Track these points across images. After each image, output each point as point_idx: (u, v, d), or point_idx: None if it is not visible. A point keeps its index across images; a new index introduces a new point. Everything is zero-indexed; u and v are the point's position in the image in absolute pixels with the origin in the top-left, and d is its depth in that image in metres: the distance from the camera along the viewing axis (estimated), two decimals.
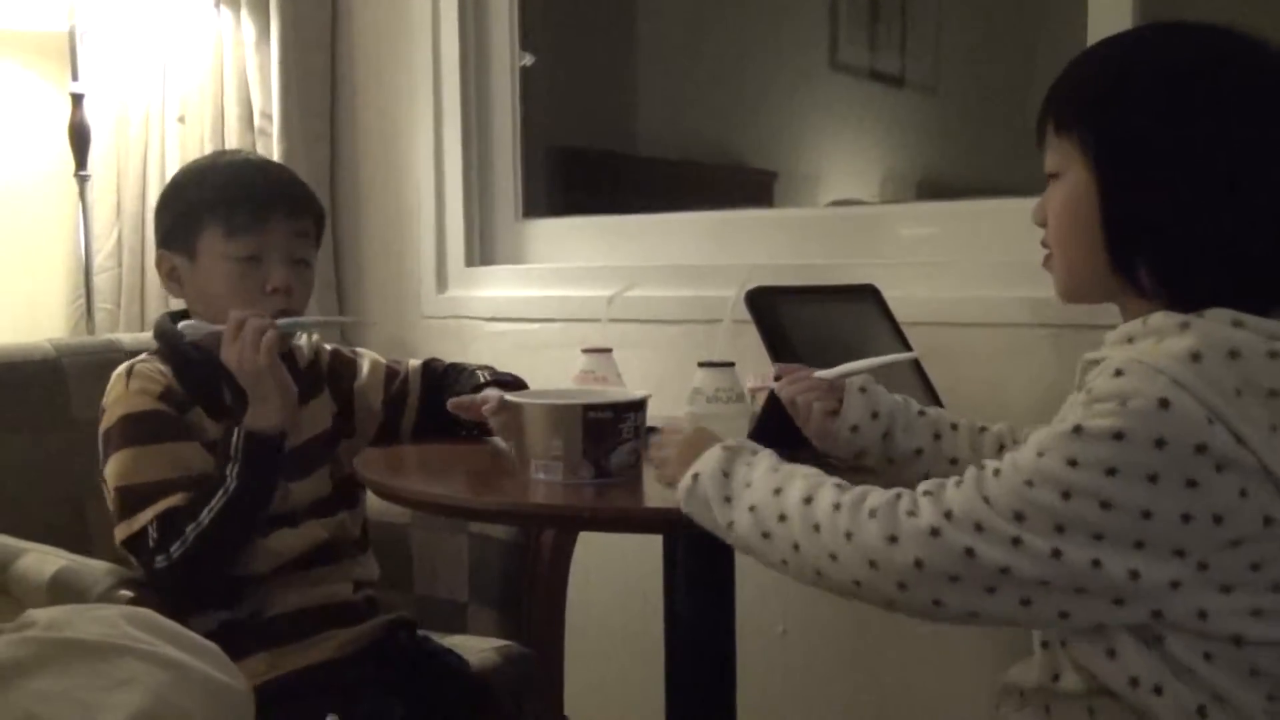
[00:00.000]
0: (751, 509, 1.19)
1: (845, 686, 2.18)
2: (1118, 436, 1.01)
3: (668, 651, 1.64)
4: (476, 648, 1.97)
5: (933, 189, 3.03)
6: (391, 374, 1.93)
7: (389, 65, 2.69)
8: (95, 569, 1.71)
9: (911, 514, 1.08)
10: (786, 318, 1.68)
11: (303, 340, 1.87)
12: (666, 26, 3.36)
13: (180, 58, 2.79)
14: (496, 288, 2.59)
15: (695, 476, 1.25)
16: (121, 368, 1.74)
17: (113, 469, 1.66)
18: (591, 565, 2.20)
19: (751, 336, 1.68)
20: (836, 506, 1.12)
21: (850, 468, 1.46)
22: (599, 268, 2.44)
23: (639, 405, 1.50)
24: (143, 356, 1.75)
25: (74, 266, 2.82)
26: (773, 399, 1.56)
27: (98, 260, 2.80)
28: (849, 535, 1.10)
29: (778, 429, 1.52)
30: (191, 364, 1.72)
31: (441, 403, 1.81)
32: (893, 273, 2.02)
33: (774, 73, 3.22)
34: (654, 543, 1.65)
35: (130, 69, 2.86)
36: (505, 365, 2.52)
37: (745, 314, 1.70)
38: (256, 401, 1.64)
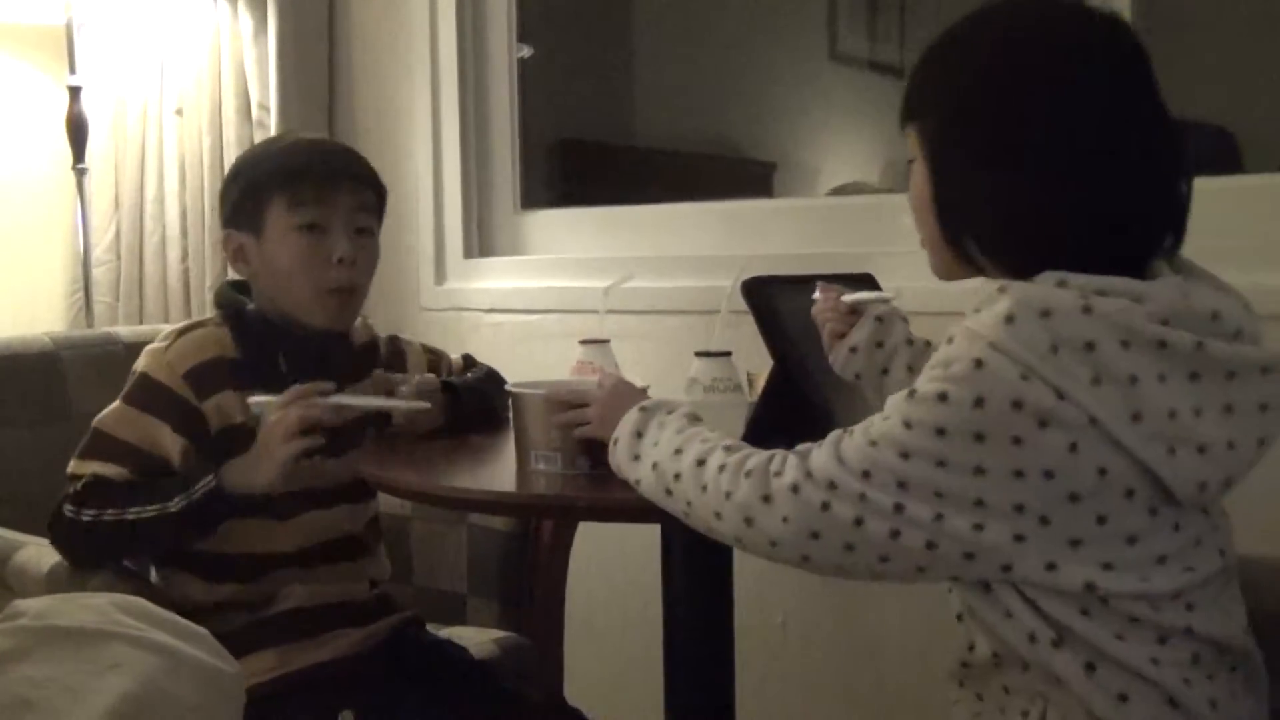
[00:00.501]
0: (654, 466, 1.26)
1: (844, 676, 2.18)
2: (942, 398, 1.06)
3: (666, 641, 1.64)
4: (476, 639, 1.97)
5: None
6: (433, 366, 1.94)
7: (387, 57, 2.69)
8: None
9: (778, 474, 1.13)
10: (782, 307, 1.67)
11: (357, 322, 1.86)
12: (664, 18, 3.36)
13: (178, 50, 2.79)
14: (495, 279, 2.59)
15: (615, 441, 1.32)
16: (176, 326, 1.75)
17: (107, 410, 1.70)
18: (591, 556, 2.20)
19: (749, 327, 1.67)
20: (721, 468, 1.18)
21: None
22: (597, 259, 2.44)
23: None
24: (208, 318, 1.77)
25: (72, 260, 2.82)
26: (771, 386, 1.56)
27: (96, 253, 2.80)
28: (728, 495, 1.16)
29: (776, 416, 1.51)
30: (251, 331, 1.73)
31: (478, 400, 1.86)
32: (893, 262, 2.01)
33: (773, 63, 3.22)
34: (653, 532, 1.65)
35: (128, 62, 2.86)
36: (504, 356, 2.52)
37: (742, 304, 1.69)
38: (250, 463, 1.62)
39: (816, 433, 1.40)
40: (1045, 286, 1.08)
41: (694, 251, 2.36)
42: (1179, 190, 1.16)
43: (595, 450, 1.41)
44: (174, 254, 2.83)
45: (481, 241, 2.66)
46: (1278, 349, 1.11)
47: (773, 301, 1.66)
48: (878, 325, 1.53)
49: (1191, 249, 1.73)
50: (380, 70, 2.70)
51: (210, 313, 1.82)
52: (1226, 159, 2.08)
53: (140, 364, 1.71)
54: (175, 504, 1.61)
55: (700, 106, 3.30)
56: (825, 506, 1.10)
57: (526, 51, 2.68)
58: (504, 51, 2.64)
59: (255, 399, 1.63)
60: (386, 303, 2.73)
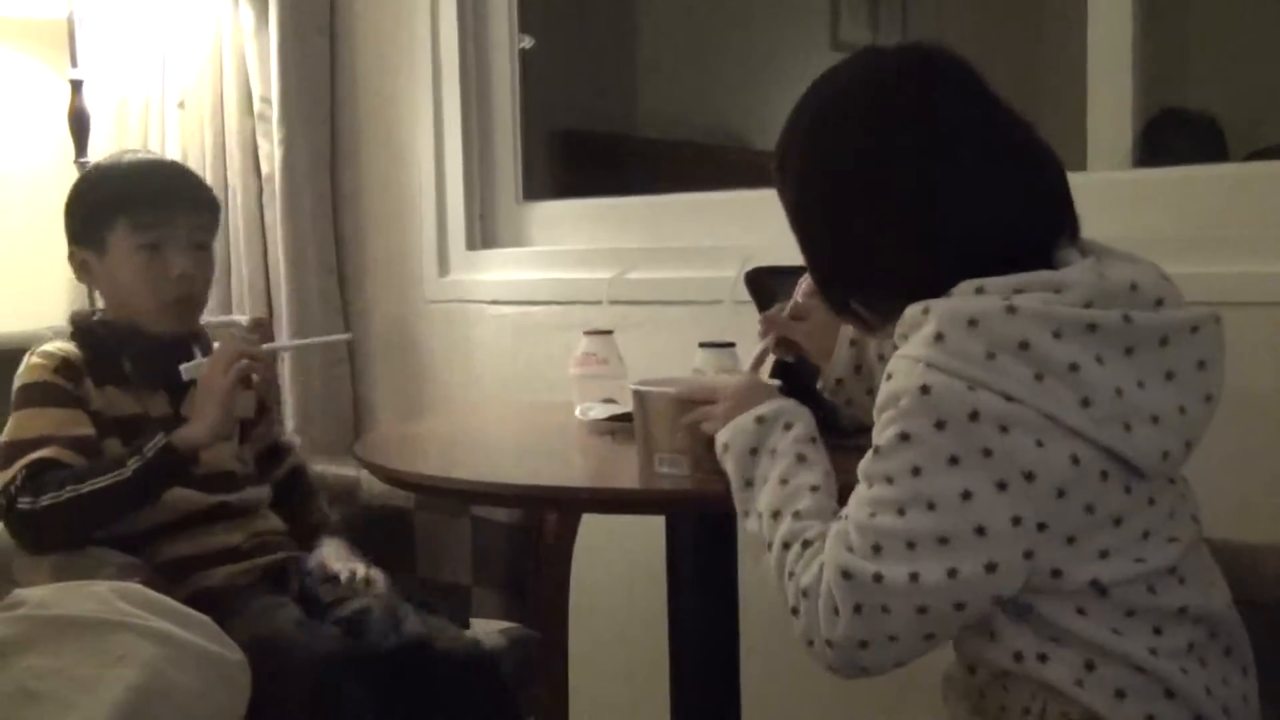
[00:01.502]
0: (759, 516, 1.20)
1: None
2: (904, 438, 1.06)
3: (671, 632, 1.64)
4: (481, 630, 1.97)
5: None
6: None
7: (388, 49, 2.68)
8: (98, 554, 1.72)
9: (816, 595, 1.09)
10: (785, 297, 1.67)
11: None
12: (666, 7, 3.35)
13: (179, 44, 2.79)
14: (498, 271, 2.59)
15: (726, 447, 1.26)
16: (29, 353, 1.87)
17: (6, 429, 1.80)
18: (595, 546, 2.20)
19: (752, 317, 1.67)
20: (791, 574, 1.13)
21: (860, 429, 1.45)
22: (600, 250, 2.44)
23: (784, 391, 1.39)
24: (53, 339, 1.89)
25: None
26: (774, 377, 1.56)
27: None
28: (794, 612, 1.13)
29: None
30: (97, 337, 1.87)
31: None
32: None
33: (775, 53, 3.21)
34: (657, 522, 1.65)
35: (129, 55, 2.86)
36: (507, 347, 2.53)
37: (746, 294, 1.69)
38: (196, 415, 1.76)
39: (826, 421, 1.39)
40: (965, 297, 1.09)
41: (697, 242, 2.35)
42: (1048, 180, 1.17)
43: None
44: None
45: (484, 233, 2.65)
46: (1201, 308, 1.13)
47: (776, 292, 1.66)
48: (853, 350, 1.48)
49: (1181, 237, 1.74)
50: (382, 62, 2.70)
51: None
52: (1213, 147, 2.09)
53: (15, 385, 1.83)
54: (130, 467, 1.70)
55: (702, 97, 3.29)
56: (858, 610, 1.07)
57: (528, 42, 2.68)
58: (506, 42, 2.63)
59: (186, 364, 1.80)
60: (390, 296, 2.73)
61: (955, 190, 1.13)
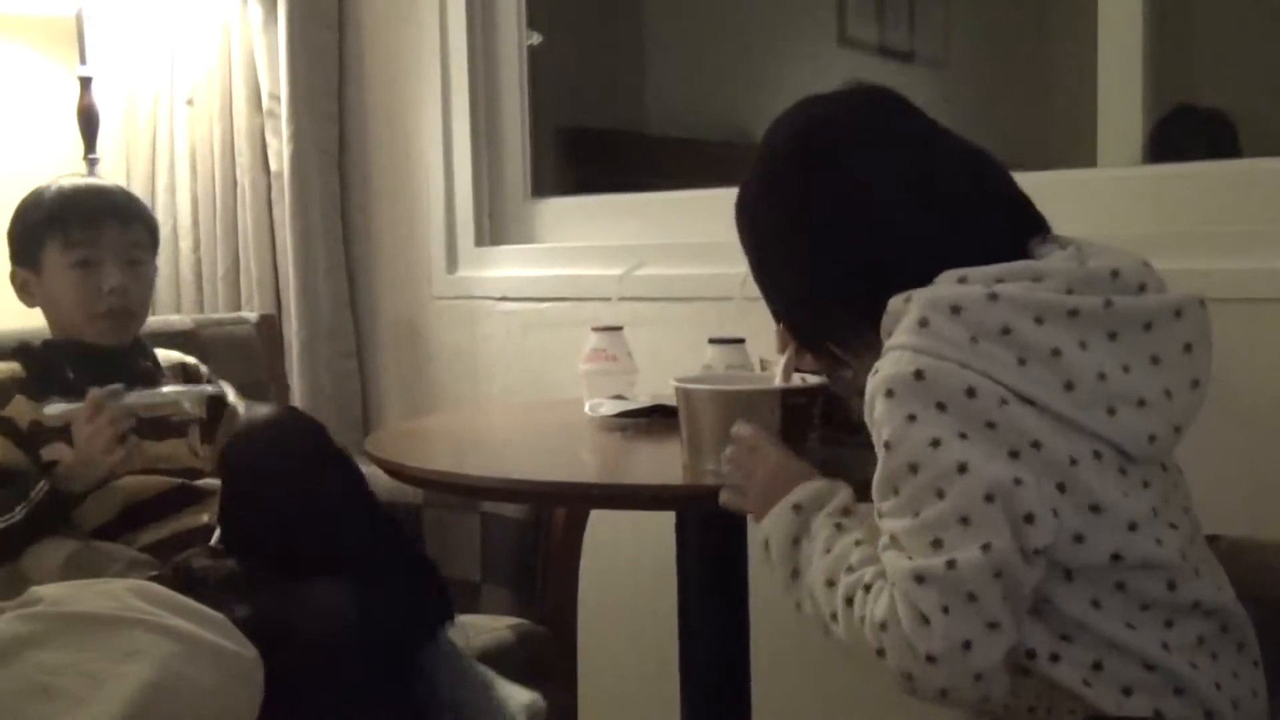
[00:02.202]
0: (811, 597, 1.17)
1: (861, 663, 2.17)
2: (912, 419, 1.05)
3: (681, 629, 1.64)
4: (490, 626, 1.98)
5: None
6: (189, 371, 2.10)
7: (397, 45, 2.68)
8: (108, 550, 1.73)
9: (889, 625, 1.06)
10: None
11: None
12: (674, 4, 3.35)
13: (188, 40, 2.79)
14: (506, 267, 2.59)
15: (767, 543, 1.22)
16: None
17: None
18: (605, 542, 2.20)
19: (762, 313, 1.66)
20: (862, 619, 1.09)
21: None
22: (609, 246, 2.44)
23: (825, 389, 1.37)
24: None
25: None
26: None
27: None
28: (880, 653, 1.08)
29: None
30: (37, 354, 1.94)
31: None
32: None
33: (782, 49, 3.21)
34: (667, 518, 1.65)
35: (138, 52, 2.86)
36: (516, 344, 2.53)
37: (755, 291, 1.69)
38: (78, 471, 1.79)
39: (835, 417, 1.39)
40: (948, 285, 1.10)
41: (705, 238, 2.35)
42: (1000, 187, 1.21)
43: None
44: (185, 244, 2.83)
45: (493, 230, 2.65)
46: (1185, 293, 1.13)
47: None
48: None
49: (1193, 233, 1.74)
50: (390, 59, 2.70)
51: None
52: (1224, 143, 2.08)
53: None
54: (19, 513, 1.75)
55: (710, 93, 3.29)
56: (946, 610, 1.02)
57: (536, 38, 2.68)
58: (514, 39, 2.63)
59: (52, 407, 1.81)
60: (398, 292, 2.73)
61: (886, 223, 1.18)
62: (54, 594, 1.16)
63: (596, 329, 1.90)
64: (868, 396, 1.10)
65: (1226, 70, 2.26)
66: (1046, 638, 1.08)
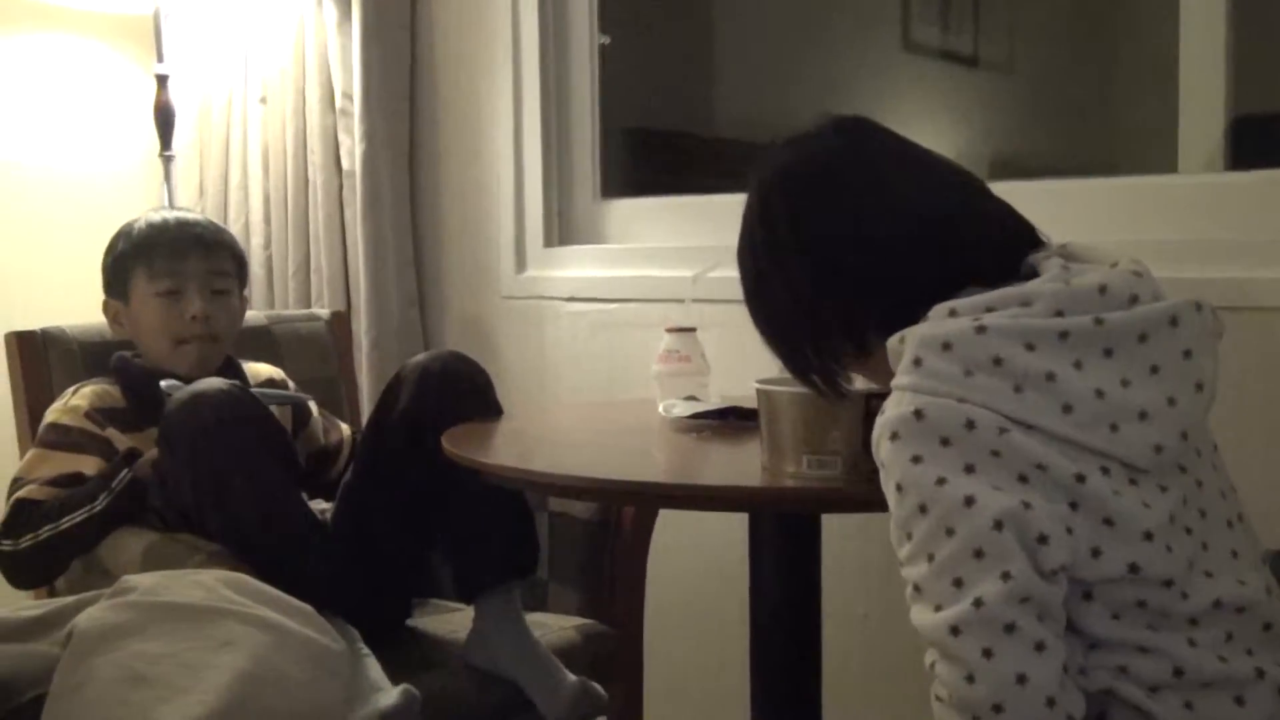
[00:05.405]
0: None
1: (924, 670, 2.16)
2: (916, 460, 1.06)
3: (753, 631, 1.64)
4: (557, 625, 1.98)
5: (1005, 168, 3.00)
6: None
7: (469, 46, 2.70)
8: (187, 542, 1.75)
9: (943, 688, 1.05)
10: None
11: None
12: (743, 7, 3.34)
13: (263, 40, 2.82)
14: (575, 268, 2.60)
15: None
16: (72, 387, 1.99)
17: (23, 460, 1.94)
18: (673, 543, 2.20)
19: None
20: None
21: None
22: (677, 248, 2.44)
23: None
24: (95, 379, 2.01)
25: None
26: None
27: None
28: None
29: None
30: (135, 379, 1.99)
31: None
32: None
33: (847, 53, 3.20)
34: (735, 520, 1.65)
35: (213, 51, 2.90)
36: (584, 345, 2.54)
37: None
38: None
39: None
40: (938, 321, 1.11)
41: None
42: (989, 205, 1.23)
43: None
44: (257, 240, 2.86)
45: (562, 230, 2.66)
46: (1179, 298, 1.12)
47: None
48: None
49: (1272, 241, 1.71)
50: (462, 59, 2.72)
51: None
52: None
53: (47, 417, 1.95)
54: (100, 502, 1.81)
55: (777, 96, 3.28)
56: (988, 654, 1.00)
57: (607, 39, 2.69)
58: (585, 39, 2.64)
59: (167, 381, 1.89)
60: (467, 292, 2.75)
61: (880, 254, 1.20)
62: (147, 583, 1.17)
63: (670, 330, 1.90)
64: (874, 439, 1.11)
65: None
66: (1074, 653, 1.07)
